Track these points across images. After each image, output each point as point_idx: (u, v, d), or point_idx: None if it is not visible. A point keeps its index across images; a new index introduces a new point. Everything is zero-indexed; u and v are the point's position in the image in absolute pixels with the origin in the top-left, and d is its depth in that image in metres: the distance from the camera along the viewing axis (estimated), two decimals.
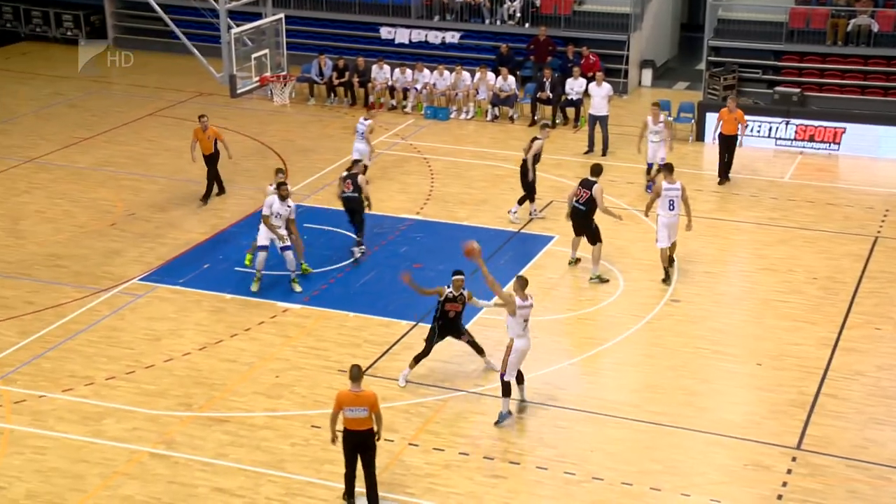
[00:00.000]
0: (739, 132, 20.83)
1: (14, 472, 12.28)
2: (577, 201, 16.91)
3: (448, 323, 13.82)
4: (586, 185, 16.87)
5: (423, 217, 19.33)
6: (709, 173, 21.60)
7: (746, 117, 21.93)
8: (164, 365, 14.50)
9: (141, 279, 16.91)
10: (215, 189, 20.06)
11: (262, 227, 16.30)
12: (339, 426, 11.47)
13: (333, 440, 11.54)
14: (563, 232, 18.14)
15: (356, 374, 11.38)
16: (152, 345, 15.00)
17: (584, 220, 16.90)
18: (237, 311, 15.82)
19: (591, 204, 16.70)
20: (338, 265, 17.35)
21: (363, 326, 15.52)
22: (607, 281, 16.84)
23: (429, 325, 14.19)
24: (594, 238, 16.93)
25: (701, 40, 27.21)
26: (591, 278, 16.88)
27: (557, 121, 24.45)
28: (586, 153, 22.47)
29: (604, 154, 22.44)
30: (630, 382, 14.20)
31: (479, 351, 14.16)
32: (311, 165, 21.79)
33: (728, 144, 21.01)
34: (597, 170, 16.97)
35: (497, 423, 13.11)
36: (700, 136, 23.32)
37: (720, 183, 20.93)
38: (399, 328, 15.39)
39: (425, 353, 13.95)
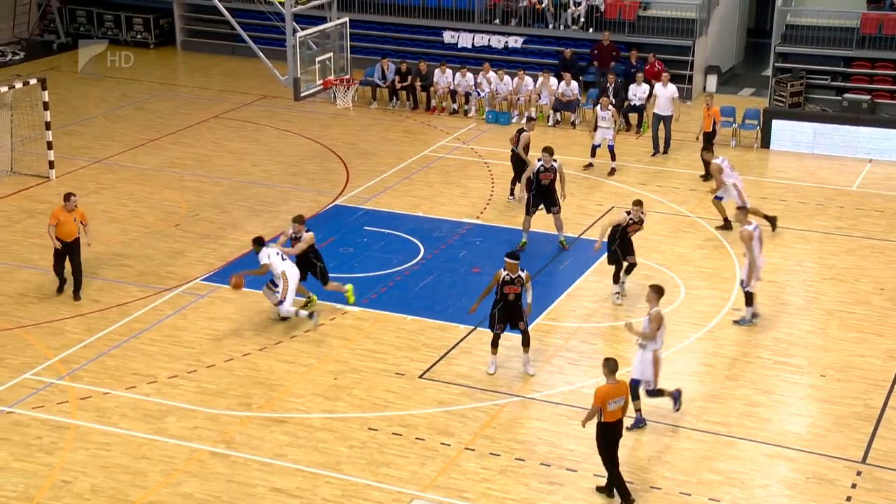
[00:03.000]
0: (717, 129, 21.34)
1: (79, 467, 12.53)
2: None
3: (508, 306, 13.88)
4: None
5: (482, 221, 19.33)
6: (775, 181, 21.29)
7: (815, 125, 21.72)
8: (224, 365, 14.69)
9: (203, 279, 17.14)
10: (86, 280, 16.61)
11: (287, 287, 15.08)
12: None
13: (585, 424, 11.80)
14: None
15: (615, 366, 11.65)
16: (213, 344, 15.21)
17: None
18: None
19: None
20: (396, 269, 17.42)
21: (421, 330, 15.56)
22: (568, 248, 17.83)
23: (488, 330, 14.23)
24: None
25: (768, 46, 26.81)
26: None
27: (620, 127, 24.29)
28: (653, 155, 22.37)
29: (665, 152, 22.36)
30: (689, 392, 14.03)
31: (526, 343, 14.15)
32: (371, 168, 21.90)
33: (706, 141, 21.40)
34: (549, 149, 17.72)
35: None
36: (766, 143, 22.99)
37: (705, 179, 20.98)
38: (457, 332, 15.40)
39: (493, 341, 14.13)
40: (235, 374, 14.45)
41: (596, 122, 21.62)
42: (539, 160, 17.63)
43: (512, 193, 19.90)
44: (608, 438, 11.69)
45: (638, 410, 13.11)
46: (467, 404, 13.70)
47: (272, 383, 14.25)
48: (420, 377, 14.32)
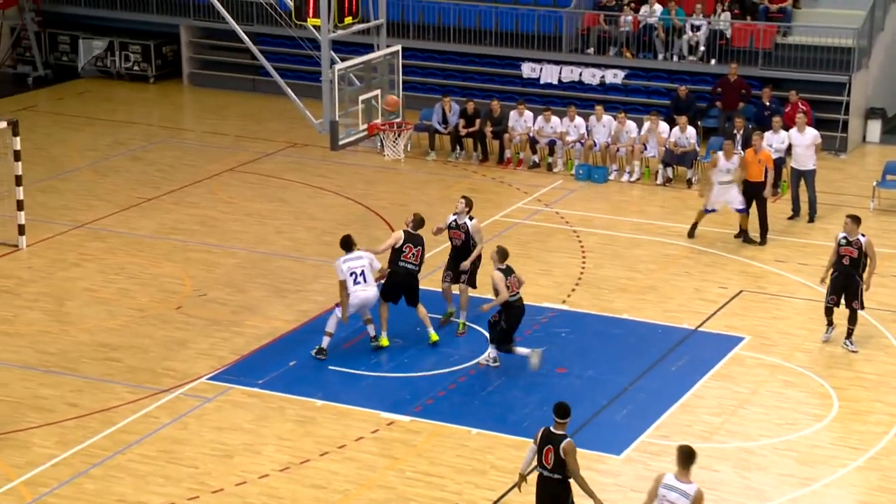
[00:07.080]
0: (767, 179, 21.17)
1: None
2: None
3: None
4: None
5: (569, 307, 19.33)
6: None
7: None
8: (235, 489, 14.75)
9: (210, 378, 17.30)
10: None
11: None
12: None
13: None
14: (755, 331, 17.86)
15: None
16: (222, 463, 15.29)
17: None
18: (330, 423, 16.00)
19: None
20: (458, 367, 17.43)
21: (489, 447, 15.51)
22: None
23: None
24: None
25: None
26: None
27: None
28: (791, 218, 22.28)
29: (811, 220, 22.21)
30: None
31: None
32: (427, 236, 22.02)
33: (753, 194, 21.27)
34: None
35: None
36: None
37: (738, 236, 21.46)
38: None
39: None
40: (249, 502, 14.51)
41: (710, 176, 21.47)
42: (454, 215, 18.54)
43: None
44: None
45: None
46: None
47: None
48: None
